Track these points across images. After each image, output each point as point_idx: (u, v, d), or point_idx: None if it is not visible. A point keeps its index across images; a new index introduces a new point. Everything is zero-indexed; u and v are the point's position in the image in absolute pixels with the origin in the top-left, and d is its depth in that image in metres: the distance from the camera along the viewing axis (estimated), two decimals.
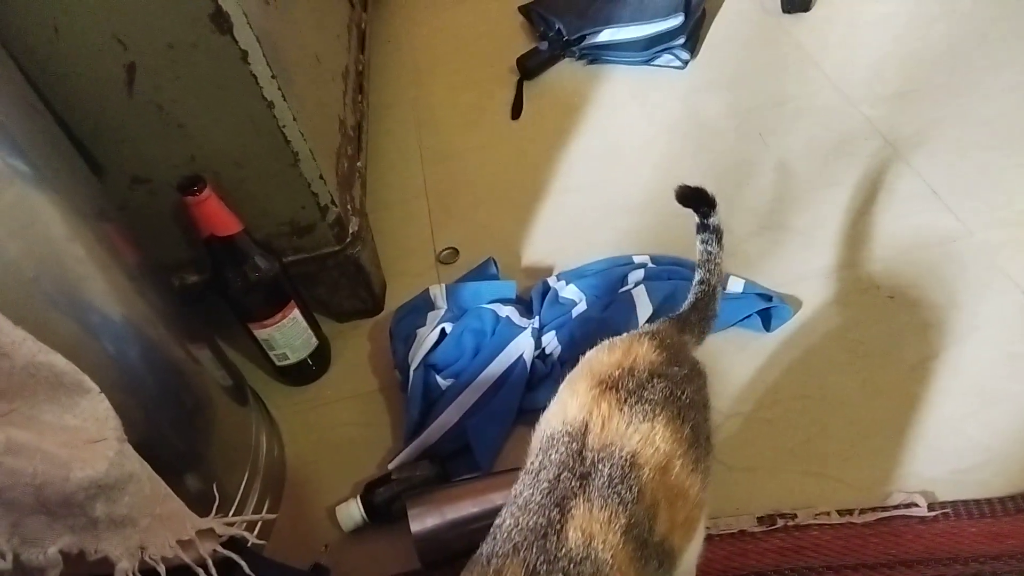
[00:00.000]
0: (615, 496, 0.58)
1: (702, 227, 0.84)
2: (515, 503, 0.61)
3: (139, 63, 0.85)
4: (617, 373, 0.66)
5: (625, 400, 0.64)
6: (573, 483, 0.59)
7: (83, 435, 0.62)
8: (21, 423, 0.59)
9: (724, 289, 1.10)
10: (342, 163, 1.18)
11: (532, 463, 0.64)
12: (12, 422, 0.58)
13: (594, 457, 0.61)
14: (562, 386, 0.69)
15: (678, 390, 0.66)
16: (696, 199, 0.84)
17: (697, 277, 0.83)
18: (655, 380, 0.66)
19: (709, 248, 0.84)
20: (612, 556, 0.56)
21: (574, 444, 0.62)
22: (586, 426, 0.63)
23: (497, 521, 0.61)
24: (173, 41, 0.84)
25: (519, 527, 0.59)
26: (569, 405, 0.65)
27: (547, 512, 0.58)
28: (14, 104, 0.68)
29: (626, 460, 0.60)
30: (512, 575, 0.56)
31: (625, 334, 0.73)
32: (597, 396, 0.64)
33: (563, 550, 0.56)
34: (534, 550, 0.56)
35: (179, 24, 0.83)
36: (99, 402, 0.63)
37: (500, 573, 0.56)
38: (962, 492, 0.86)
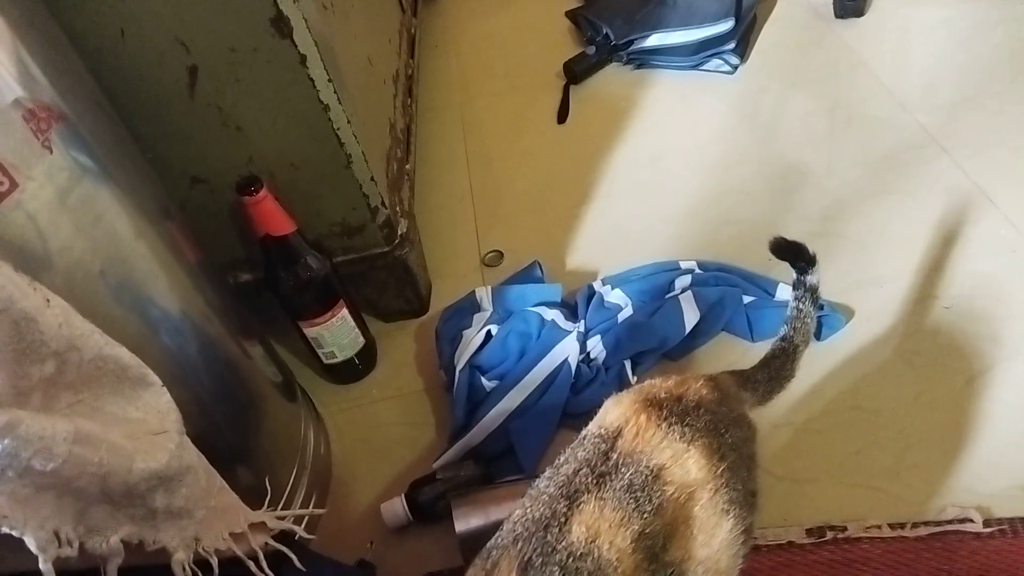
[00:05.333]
0: (632, 501, 0.57)
1: (798, 283, 0.81)
2: (530, 495, 0.61)
3: (201, 66, 0.88)
4: (664, 395, 0.65)
5: (666, 418, 0.63)
6: (589, 480, 0.58)
7: (145, 427, 0.64)
8: (87, 414, 0.60)
9: (773, 297, 1.09)
10: (392, 165, 1.19)
11: (559, 459, 0.63)
12: (79, 413, 0.60)
13: (619, 460, 0.60)
14: (609, 398, 0.69)
15: (722, 427, 0.64)
16: (794, 254, 0.81)
17: (780, 333, 0.80)
18: (701, 411, 0.64)
19: (801, 306, 0.80)
20: (618, 559, 0.55)
21: (603, 445, 0.61)
22: (619, 432, 0.62)
23: (512, 514, 0.60)
24: (235, 45, 0.86)
25: (525, 518, 0.58)
26: (609, 412, 0.65)
27: (555, 504, 0.57)
28: (83, 103, 0.70)
29: (652, 471, 0.59)
30: (507, 566, 0.55)
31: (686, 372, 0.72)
32: (639, 408, 0.63)
33: (563, 543, 0.55)
34: (532, 541, 0.55)
35: (241, 28, 0.85)
36: (161, 395, 0.65)
37: (496, 565, 0.56)
38: (1020, 509, 0.84)
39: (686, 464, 0.60)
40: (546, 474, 0.62)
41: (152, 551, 0.66)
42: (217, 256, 0.97)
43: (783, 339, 0.79)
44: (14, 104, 0.58)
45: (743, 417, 0.69)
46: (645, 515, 0.57)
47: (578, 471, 0.60)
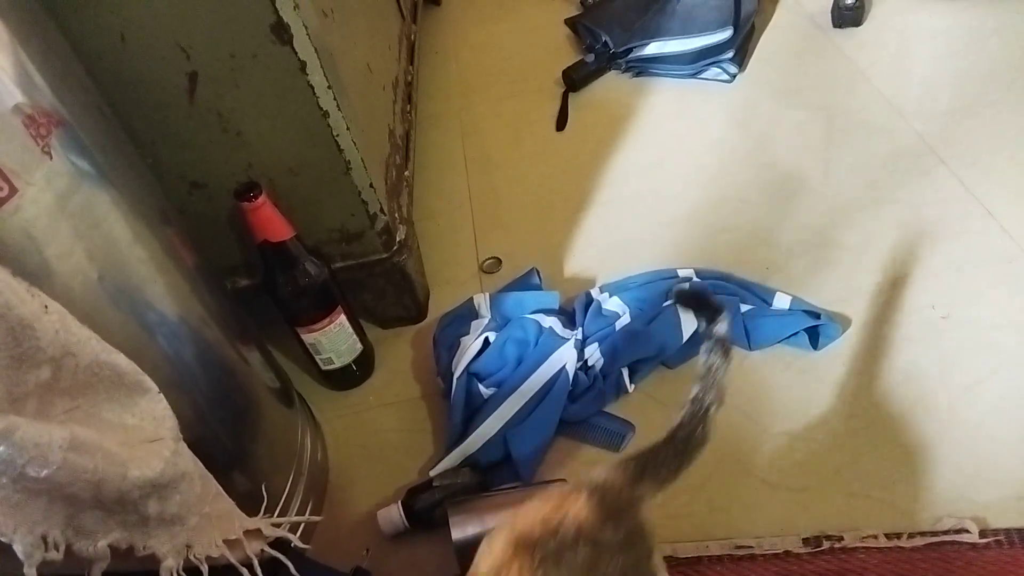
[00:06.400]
0: None
1: (706, 335, 0.73)
2: None
3: (201, 72, 0.88)
4: (539, 531, 0.59)
5: (540, 563, 0.57)
6: None
7: (141, 434, 0.64)
8: (83, 420, 0.60)
9: (771, 306, 1.10)
10: (391, 172, 1.19)
11: None
12: (75, 419, 0.60)
13: None
14: (489, 533, 0.63)
15: (605, 560, 0.58)
16: (697, 304, 0.75)
17: (691, 393, 0.70)
18: (580, 543, 0.58)
19: (710, 360, 0.71)
20: None
21: None
22: None
23: None
24: (235, 51, 0.87)
25: None
26: (482, 560, 0.60)
27: None
28: (83, 108, 0.70)
29: None
30: None
31: (567, 484, 0.66)
32: (511, 556, 0.58)
33: None
34: None
35: (241, 34, 0.85)
36: (157, 402, 0.65)
37: None
38: (1016, 519, 0.84)
39: None
40: None
41: (142, 557, 0.66)
42: (215, 261, 0.97)
43: (692, 400, 0.70)
44: (14, 110, 0.58)
45: (635, 531, 0.63)
46: None
47: None
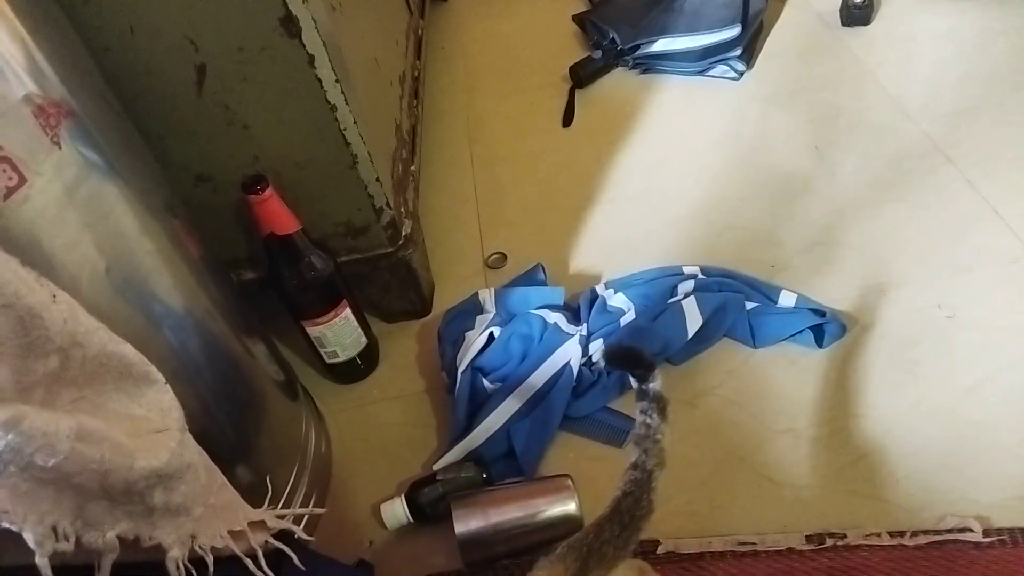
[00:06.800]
0: None
1: (641, 394, 0.69)
2: None
3: (209, 64, 0.88)
4: None
5: None
6: None
7: (147, 425, 0.64)
8: (90, 410, 0.60)
9: (776, 303, 1.10)
10: (397, 166, 1.19)
11: None
12: (82, 409, 0.60)
13: None
14: None
15: None
16: (629, 361, 0.71)
17: (631, 459, 0.66)
18: None
19: (648, 420, 0.67)
20: None
21: None
22: None
23: None
24: (243, 44, 0.87)
25: None
26: None
27: None
28: (91, 99, 0.71)
29: None
30: None
31: None
32: None
33: None
34: None
35: (249, 27, 0.85)
36: (164, 392, 0.65)
37: None
38: (1020, 518, 0.84)
39: None
40: None
41: (147, 547, 0.66)
42: (221, 254, 0.97)
43: (634, 466, 0.65)
44: (24, 99, 0.59)
45: None
46: None
47: None
